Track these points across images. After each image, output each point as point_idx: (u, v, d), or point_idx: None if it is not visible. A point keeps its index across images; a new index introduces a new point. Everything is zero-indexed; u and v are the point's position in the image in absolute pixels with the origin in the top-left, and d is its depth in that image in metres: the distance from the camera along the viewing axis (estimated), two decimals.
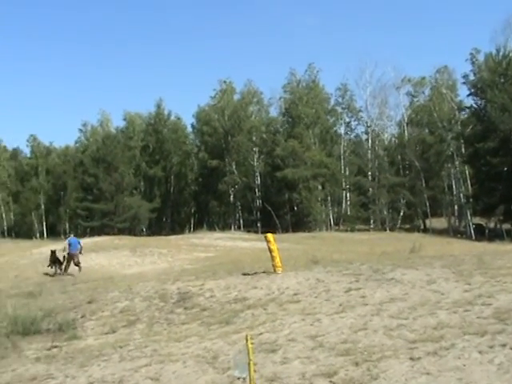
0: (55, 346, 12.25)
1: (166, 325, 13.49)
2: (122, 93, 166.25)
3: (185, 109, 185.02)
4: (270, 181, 77.49)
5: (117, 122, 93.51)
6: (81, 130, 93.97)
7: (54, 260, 27.54)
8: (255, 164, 78.20)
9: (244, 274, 17.55)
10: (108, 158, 77.96)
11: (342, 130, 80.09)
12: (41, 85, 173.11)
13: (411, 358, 7.87)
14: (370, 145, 75.33)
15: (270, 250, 17.25)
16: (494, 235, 53.85)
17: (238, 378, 7.29)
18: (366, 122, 77.23)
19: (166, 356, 9.96)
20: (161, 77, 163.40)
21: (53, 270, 27.38)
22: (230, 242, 42.30)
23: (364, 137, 79.74)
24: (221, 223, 79.72)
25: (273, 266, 17.14)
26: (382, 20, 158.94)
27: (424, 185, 70.03)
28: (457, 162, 66.88)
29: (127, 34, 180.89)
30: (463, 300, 11.04)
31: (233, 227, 75.41)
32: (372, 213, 72.09)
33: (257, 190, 77.58)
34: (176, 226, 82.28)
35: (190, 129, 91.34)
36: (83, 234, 68.20)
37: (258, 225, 73.86)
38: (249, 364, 6.81)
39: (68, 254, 26.79)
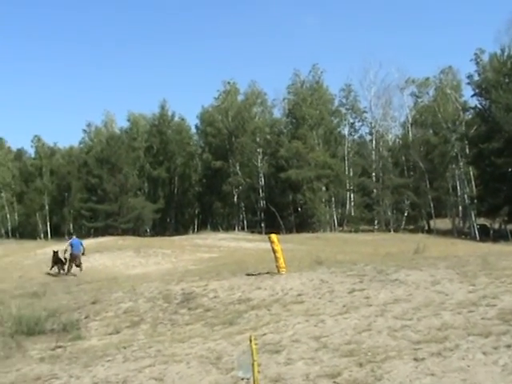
0: (59, 346, 12.27)
1: (169, 325, 13.49)
2: (126, 93, 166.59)
3: (189, 110, 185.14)
4: (273, 182, 77.52)
5: (121, 123, 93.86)
6: (85, 131, 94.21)
7: (56, 260, 27.62)
8: (259, 165, 78.19)
9: (248, 275, 17.55)
10: (112, 158, 78.00)
11: (346, 131, 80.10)
12: (45, 85, 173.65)
13: (415, 359, 7.86)
14: (374, 146, 75.23)
15: (274, 251, 17.25)
16: (499, 236, 53.72)
17: (242, 379, 7.29)
18: (370, 123, 77.21)
19: (170, 356, 9.96)
20: (165, 78, 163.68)
21: (55, 270, 27.47)
22: (233, 243, 42.29)
23: (368, 138, 79.81)
24: (225, 224, 79.74)
25: (277, 266, 17.13)
26: (386, 20, 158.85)
27: (428, 186, 69.92)
28: (461, 163, 66.75)
29: (131, 34, 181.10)
30: (467, 301, 11.01)
31: (237, 228, 75.39)
32: (376, 214, 72.00)
33: (261, 190, 77.55)
34: (180, 227, 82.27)
35: (193, 130, 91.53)
36: (87, 234, 68.35)
37: (262, 225, 73.82)
38: (253, 365, 6.81)
39: (70, 254, 26.84)
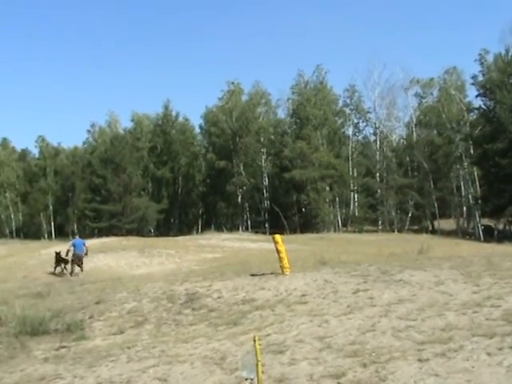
0: (63, 347, 12.30)
1: (173, 326, 13.50)
2: (130, 94, 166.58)
3: (192, 110, 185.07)
4: (277, 182, 77.44)
5: (125, 123, 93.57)
6: (89, 131, 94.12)
7: (59, 260, 27.69)
8: (263, 165, 78.12)
9: (252, 275, 17.55)
10: (116, 158, 78.01)
11: (350, 132, 79.88)
12: (49, 86, 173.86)
13: (419, 360, 7.86)
14: (378, 146, 75.06)
15: (278, 251, 17.25)
16: (503, 237, 53.67)
17: (246, 379, 7.28)
18: (375, 123, 77.01)
19: (174, 357, 9.97)
20: (169, 78, 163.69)
21: (58, 269, 27.52)
22: (237, 243, 42.27)
23: (372, 138, 79.50)
24: (228, 224, 79.63)
25: (281, 267, 17.13)
26: (390, 21, 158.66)
27: (432, 186, 69.80)
28: (465, 164, 66.57)
29: (135, 34, 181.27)
30: (472, 301, 11.00)
31: (240, 228, 75.31)
32: (380, 214, 71.87)
33: (265, 191, 77.48)
34: (184, 227, 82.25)
35: (197, 130, 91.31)
36: (91, 234, 68.32)
37: (266, 226, 73.77)
38: (257, 365, 6.81)
39: (73, 255, 26.88)
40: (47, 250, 35.25)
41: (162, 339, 11.99)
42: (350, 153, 75.84)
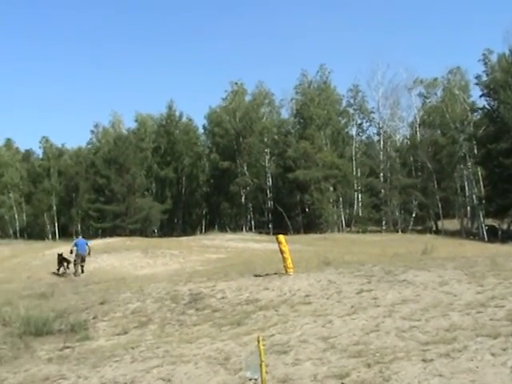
0: (67, 347, 12.31)
1: (177, 326, 13.51)
2: (134, 94, 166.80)
3: (196, 110, 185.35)
4: (281, 182, 77.42)
5: (128, 124, 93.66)
6: (93, 132, 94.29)
7: (61, 261, 27.75)
8: (267, 165, 78.12)
9: (255, 276, 17.55)
10: (120, 159, 78.10)
11: (353, 132, 79.83)
12: (53, 87, 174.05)
13: (424, 360, 7.84)
14: (381, 146, 75.02)
15: (282, 252, 17.25)
16: (507, 237, 53.61)
17: (250, 380, 7.29)
18: (378, 124, 76.92)
19: (178, 357, 9.98)
20: (172, 78, 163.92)
21: (62, 270, 27.58)
22: (241, 244, 42.26)
23: (376, 138, 79.45)
24: (232, 225, 79.61)
25: (284, 267, 17.13)
26: (394, 21, 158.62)
27: (436, 186, 69.70)
28: (469, 164, 66.51)
29: (139, 34, 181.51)
30: (476, 302, 10.98)
31: (244, 228, 75.28)
32: (384, 214, 71.79)
33: (268, 191, 77.48)
34: (187, 228, 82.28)
35: (201, 130, 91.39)
36: (95, 235, 68.48)
37: (270, 226, 73.77)
38: (260, 365, 6.81)
39: (76, 255, 26.93)
40: (51, 250, 35.26)
41: (165, 339, 11.99)
42: (353, 153, 75.77)
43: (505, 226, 63.19)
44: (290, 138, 75.78)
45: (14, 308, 15.78)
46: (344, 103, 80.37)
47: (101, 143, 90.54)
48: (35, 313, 14.47)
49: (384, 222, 71.65)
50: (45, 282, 23.99)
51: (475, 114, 68.91)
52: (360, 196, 74.90)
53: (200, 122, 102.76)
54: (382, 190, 72.89)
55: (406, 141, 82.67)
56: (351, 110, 79.55)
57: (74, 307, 16.20)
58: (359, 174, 75.32)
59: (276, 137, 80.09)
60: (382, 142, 75.29)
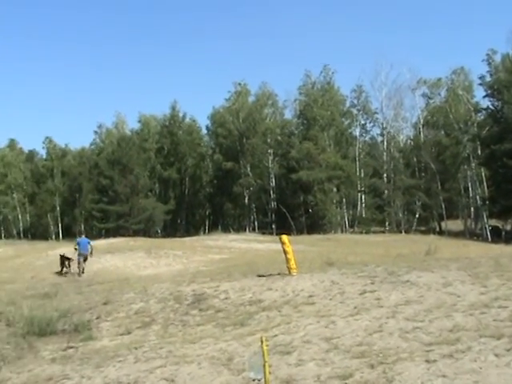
0: (71, 347, 12.32)
1: (180, 326, 13.51)
2: (137, 95, 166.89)
3: (199, 111, 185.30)
4: (284, 183, 77.42)
5: (132, 124, 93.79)
6: (96, 132, 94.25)
7: (63, 260, 27.82)
8: (270, 166, 78.10)
9: (259, 276, 17.56)
10: (123, 159, 78.13)
11: (357, 132, 79.74)
12: (56, 87, 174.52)
13: (427, 361, 7.84)
14: (385, 147, 74.93)
15: (285, 252, 17.25)
16: (511, 237, 53.47)
17: (253, 380, 7.29)
18: (382, 124, 76.87)
19: (181, 357, 9.98)
20: (175, 79, 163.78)
21: (65, 270, 27.63)
22: (244, 244, 42.26)
23: (379, 139, 79.35)
24: (235, 225, 79.63)
25: (288, 267, 17.13)
26: (398, 21, 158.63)
27: (440, 187, 69.65)
28: (473, 164, 66.41)
29: (142, 35, 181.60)
30: (479, 303, 10.97)
31: (247, 229, 75.26)
32: (387, 215, 71.74)
33: (272, 192, 77.45)
34: (191, 228, 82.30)
35: (204, 131, 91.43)
36: (98, 235, 68.44)
37: (273, 227, 73.70)
38: (264, 366, 6.81)
39: (78, 254, 26.99)
40: (54, 250, 35.33)
41: (169, 340, 12.00)
42: (357, 153, 75.72)
43: (508, 227, 63.09)
44: (294, 138, 75.81)
45: (17, 308, 15.80)
46: (347, 104, 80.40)
47: (104, 144, 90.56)
48: (39, 313, 14.48)
49: (387, 223, 71.60)
50: (48, 282, 24.01)
51: (479, 114, 68.80)
52: (363, 197, 74.83)
53: (203, 122, 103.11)
54: (386, 191, 72.83)
55: (409, 141, 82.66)
56: (355, 111, 79.53)
57: (77, 307, 16.21)
58: (363, 175, 75.29)
59: (279, 137, 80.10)
60: (385, 143, 75.22)
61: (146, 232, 72.60)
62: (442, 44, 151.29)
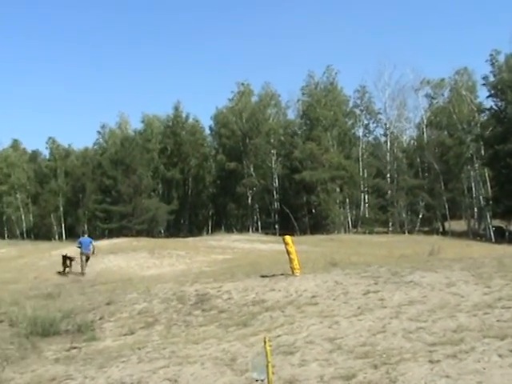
0: (74, 347, 12.33)
1: (184, 327, 13.51)
2: (141, 95, 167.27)
3: (203, 111, 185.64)
4: (288, 183, 77.42)
5: (135, 125, 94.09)
6: (99, 133, 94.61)
7: (65, 260, 27.89)
8: (273, 166, 78.14)
9: (262, 277, 17.53)
10: (126, 160, 78.20)
11: (360, 133, 79.81)
12: (59, 87, 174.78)
13: (430, 361, 7.82)
14: (388, 147, 74.91)
15: (288, 253, 17.22)
16: None
17: (257, 381, 7.27)
18: (385, 124, 76.85)
19: (184, 358, 9.98)
20: (179, 79, 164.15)
21: (67, 269, 27.68)
22: (247, 245, 42.20)
23: (383, 139, 79.38)
24: (239, 225, 79.68)
25: (291, 268, 17.10)
26: (401, 21, 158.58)
27: (443, 187, 69.61)
28: (476, 164, 66.41)
29: (146, 35, 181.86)
30: (483, 303, 10.95)
31: (251, 229, 75.29)
32: (390, 215, 71.69)
33: (275, 192, 77.50)
34: (194, 228, 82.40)
35: (207, 131, 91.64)
36: (102, 235, 68.50)
37: (276, 227, 73.77)
38: (267, 366, 6.80)
39: (80, 253, 27.08)
40: (58, 251, 35.31)
41: (172, 340, 12.00)
42: (360, 154, 75.73)
43: None
44: (297, 139, 75.80)
45: (20, 308, 15.81)
46: (351, 104, 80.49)
47: (107, 144, 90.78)
48: (42, 313, 14.49)
49: (391, 223, 71.57)
50: (51, 282, 24.02)
51: (482, 114, 68.77)
52: (367, 197, 74.84)
53: (206, 122, 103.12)
54: (389, 191, 72.81)
55: (412, 142, 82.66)
56: (358, 111, 79.57)
57: (80, 308, 16.22)
58: (366, 175, 75.29)
59: (282, 138, 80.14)
60: (388, 143, 75.20)
61: (149, 232, 72.65)
62: (445, 44, 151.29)
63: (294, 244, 17.56)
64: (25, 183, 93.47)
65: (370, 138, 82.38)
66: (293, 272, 16.95)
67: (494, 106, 64.41)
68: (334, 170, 68.98)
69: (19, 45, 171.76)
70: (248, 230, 73.36)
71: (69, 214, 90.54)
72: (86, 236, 30.17)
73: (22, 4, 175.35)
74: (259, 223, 78.83)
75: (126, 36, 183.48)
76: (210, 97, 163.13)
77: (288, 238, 17.74)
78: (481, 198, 66.58)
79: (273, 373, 6.99)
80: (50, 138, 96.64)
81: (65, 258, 28.05)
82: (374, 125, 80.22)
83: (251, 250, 37.69)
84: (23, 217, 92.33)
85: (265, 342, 6.95)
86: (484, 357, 7.72)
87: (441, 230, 70.29)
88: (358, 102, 79.36)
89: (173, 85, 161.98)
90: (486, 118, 68.51)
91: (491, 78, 64.16)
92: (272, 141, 78.86)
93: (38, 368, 10.72)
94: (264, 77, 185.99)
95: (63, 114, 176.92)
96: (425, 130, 75.19)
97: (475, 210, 69.74)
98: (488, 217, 63.56)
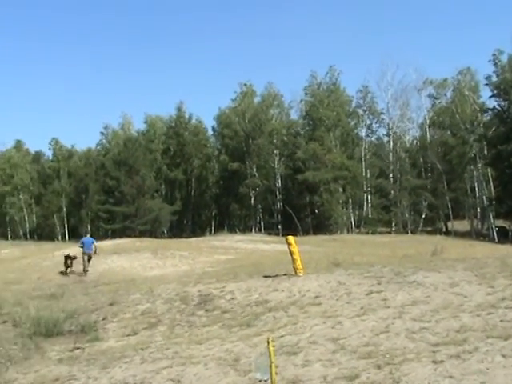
0: (77, 348, 12.34)
1: (187, 327, 13.51)
2: (143, 96, 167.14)
3: (205, 111, 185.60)
4: (290, 183, 77.39)
5: (138, 125, 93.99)
6: (102, 133, 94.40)
7: (66, 260, 27.94)
8: (276, 167, 78.08)
9: (265, 277, 17.54)
10: (129, 160, 78.24)
11: (363, 133, 79.70)
12: (62, 88, 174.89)
13: (434, 362, 7.82)
14: (391, 147, 74.84)
15: (291, 253, 17.23)
16: None
17: (260, 381, 7.28)
18: (388, 125, 76.77)
19: (188, 358, 9.98)
20: (181, 79, 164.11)
21: (69, 269, 27.73)
22: (250, 245, 42.21)
23: (385, 139, 79.25)
24: (242, 226, 79.63)
25: (294, 268, 17.11)
26: (403, 21, 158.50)
27: (446, 187, 69.55)
28: (479, 164, 66.27)
29: (148, 36, 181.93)
30: (486, 303, 10.94)
31: (254, 230, 75.22)
32: (393, 215, 71.63)
33: (278, 192, 77.45)
34: (197, 229, 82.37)
35: (210, 132, 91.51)
36: (105, 236, 68.51)
37: (279, 227, 73.72)
38: (270, 366, 6.80)
39: (82, 253, 27.13)
40: (61, 251, 35.33)
41: (175, 340, 12.00)
42: (363, 154, 75.71)
43: None
44: (300, 139, 75.78)
45: (24, 309, 15.82)
46: (353, 104, 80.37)
47: (110, 145, 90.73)
48: (45, 313, 14.50)
49: (394, 223, 71.50)
50: (54, 282, 24.04)
51: (485, 114, 68.62)
52: (369, 197, 74.77)
53: (209, 123, 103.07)
54: (392, 191, 72.74)
55: (415, 142, 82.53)
56: (361, 111, 79.46)
57: (83, 308, 16.22)
58: (369, 175, 75.23)
59: (285, 138, 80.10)
60: (391, 143, 75.13)
61: (152, 233, 72.67)
62: (448, 44, 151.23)
63: (296, 244, 17.56)
64: (28, 184, 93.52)
65: (372, 138, 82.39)
66: (296, 272, 16.96)
67: (497, 106, 64.30)
68: (337, 170, 68.95)
69: (23, 46, 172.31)
70: (251, 231, 73.30)
71: (72, 215, 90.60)
72: (88, 236, 30.24)
73: (26, 6, 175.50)
74: (262, 223, 78.77)
75: (129, 37, 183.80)
76: (213, 97, 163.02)
77: (291, 238, 17.74)
78: (484, 197, 66.45)
79: (276, 373, 7.00)
80: (53, 138, 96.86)
81: (66, 257, 28.10)
82: (377, 125, 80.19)
83: (254, 250, 37.71)
84: (26, 217, 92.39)
85: (268, 343, 6.95)
86: (487, 357, 7.72)
87: (444, 230, 70.17)
88: (361, 102, 79.36)
89: (175, 85, 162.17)
90: (488, 117, 68.40)
91: (494, 78, 64.03)
92: (275, 141, 78.81)
93: (42, 368, 10.73)
94: (266, 77, 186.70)
95: (66, 114, 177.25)
96: (428, 130, 75.12)
97: (478, 209, 69.62)
98: (491, 217, 63.50)
